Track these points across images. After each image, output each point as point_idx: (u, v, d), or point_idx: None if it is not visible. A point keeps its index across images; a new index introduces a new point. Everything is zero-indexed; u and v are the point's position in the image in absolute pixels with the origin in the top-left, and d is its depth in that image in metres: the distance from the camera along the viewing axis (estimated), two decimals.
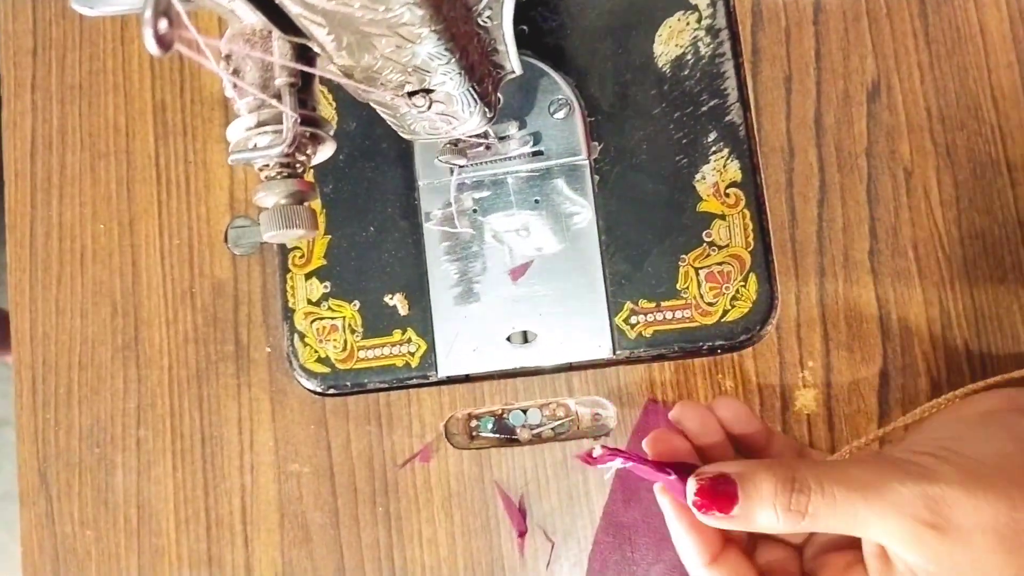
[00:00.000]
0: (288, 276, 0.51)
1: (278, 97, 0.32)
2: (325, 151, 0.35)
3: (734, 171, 0.47)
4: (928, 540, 0.29)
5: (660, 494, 0.33)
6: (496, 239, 0.49)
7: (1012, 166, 0.46)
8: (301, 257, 0.51)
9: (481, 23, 0.36)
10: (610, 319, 0.47)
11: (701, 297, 0.47)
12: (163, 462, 0.52)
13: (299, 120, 0.32)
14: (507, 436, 0.50)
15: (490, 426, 0.50)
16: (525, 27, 0.49)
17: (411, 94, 0.35)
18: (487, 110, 0.39)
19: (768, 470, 0.31)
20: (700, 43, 0.49)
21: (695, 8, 0.49)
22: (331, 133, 0.35)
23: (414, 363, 0.49)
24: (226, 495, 0.51)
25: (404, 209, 0.51)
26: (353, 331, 0.50)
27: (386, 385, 0.50)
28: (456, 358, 0.49)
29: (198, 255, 0.53)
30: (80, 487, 0.53)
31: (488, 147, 0.48)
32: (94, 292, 0.54)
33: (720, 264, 0.47)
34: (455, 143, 0.46)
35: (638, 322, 0.47)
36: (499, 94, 0.41)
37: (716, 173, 0.47)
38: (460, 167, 0.49)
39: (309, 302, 0.51)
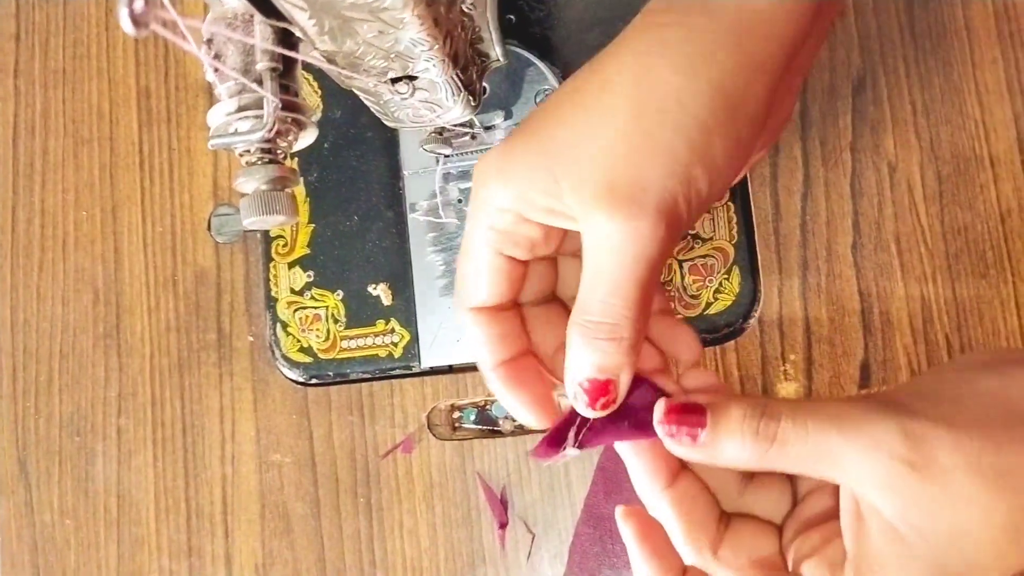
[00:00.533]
0: (271, 265, 0.51)
1: (259, 82, 0.32)
2: (307, 137, 0.35)
3: None
4: (906, 479, 0.27)
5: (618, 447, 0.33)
6: None
7: (995, 161, 0.46)
8: (284, 246, 0.51)
9: (465, 10, 0.36)
10: None
11: (684, 289, 0.47)
12: (144, 451, 0.52)
13: (280, 105, 0.32)
14: (490, 427, 0.50)
15: (473, 417, 0.50)
16: (512, 16, 0.49)
17: (394, 81, 0.35)
18: (471, 99, 0.39)
19: (739, 399, 0.30)
20: None
21: None
22: (313, 119, 0.35)
23: (397, 353, 0.49)
24: (207, 485, 0.51)
25: (389, 198, 0.50)
26: (336, 321, 0.50)
27: (369, 375, 0.50)
28: (439, 349, 0.49)
29: (181, 243, 0.53)
30: (60, 476, 0.53)
31: (474, 136, 0.48)
32: (76, 279, 0.54)
33: (704, 257, 0.47)
34: (440, 132, 0.46)
35: None
36: (484, 83, 0.41)
37: None
38: (445, 156, 0.49)
39: (292, 291, 0.51)
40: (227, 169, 0.53)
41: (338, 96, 0.51)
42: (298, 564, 0.49)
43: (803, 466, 0.29)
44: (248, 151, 0.33)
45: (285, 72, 0.33)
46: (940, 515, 0.27)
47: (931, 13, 0.48)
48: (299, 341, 0.50)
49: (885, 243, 0.47)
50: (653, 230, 0.29)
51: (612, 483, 0.46)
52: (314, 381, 0.50)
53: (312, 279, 0.51)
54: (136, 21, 0.22)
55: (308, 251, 0.51)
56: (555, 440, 0.32)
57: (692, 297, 0.47)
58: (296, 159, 0.51)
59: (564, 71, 0.49)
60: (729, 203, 0.47)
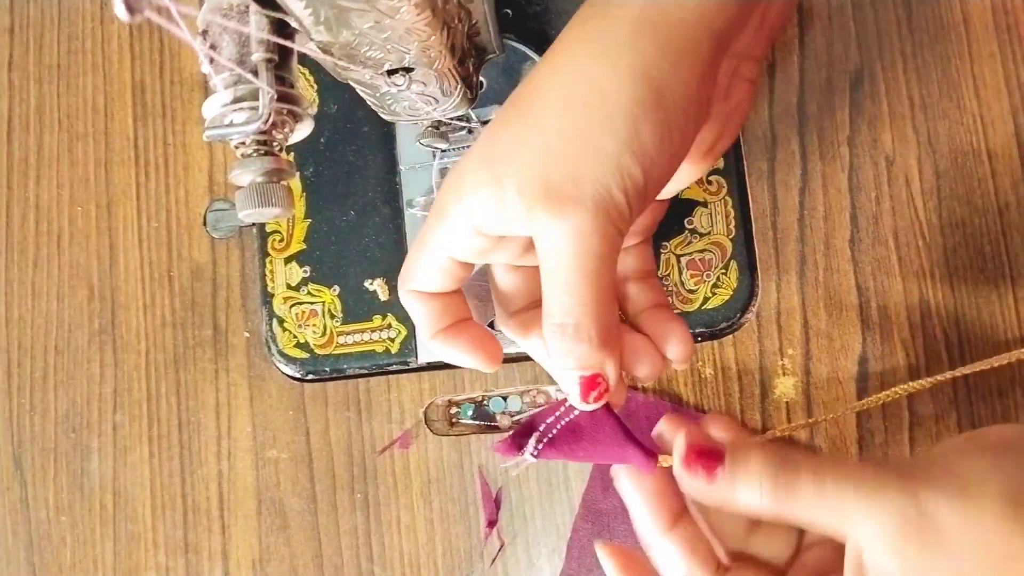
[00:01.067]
0: (267, 260, 0.51)
1: (255, 73, 0.32)
2: (303, 129, 0.35)
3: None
4: (915, 545, 0.28)
5: (621, 473, 0.33)
6: None
7: (993, 156, 0.46)
8: (280, 241, 0.51)
9: (462, 2, 0.35)
10: None
11: (682, 284, 0.47)
12: (139, 448, 0.52)
13: (276, 96, 0.32)
14: (487, 423, 0.49)
15: (470, 413, 0.50)
16: (509, 11, 0.49)
17: (390, 72, 0.35)
18: (468, 91, 0.38)
19: (759, 445, 0.30)
20: None
21: None
22: (309, 111, 0.34)
23: (394, 349, 0.49)
24: (203, 481, 0.51)
25: (385, 194, 0.50)
26: (332, 316, 0.50)
27: (365, 371, 0.50)
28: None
29: (176, 238, 0.53)
30: (55, 472, 0.52)
31: (470, 131, 0.47)
32: (71, 275, 0.54)
33: (701, 252, 0.47)
34: (437, 126, 0.45)
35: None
36: (482, 77, 0.41)
37: None
38: (442, 151, 0.48)
39: (288, 287, 0.50)
40: (223, 164, 0.53)
41: (334, 91, 0.51)
42: (295, 560, 0.49)
43: (814, 520, 0.29)
44: (243, 143, 0.33)
45: (281, 63, 0.32)
46: None
47: (929, 7, 0.48)
48: (295, 337, 0.50)
49: (883, 238, 0.47)
50: (592, 223, 0.29)
51: (610, 478, 0.46)
52: (310, 377, 0.50)
53: (308, 274, 0.50)
54: (130, 7, 0.22)
55: (304, 246, 0.51)
56: (516, 441, 0.33)
57: (690, 292, 0.46)
58: (292, 154, 0.51)
59: None
60: (726, 198, 0.47)
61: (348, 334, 0.50)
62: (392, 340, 0.49)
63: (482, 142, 0.33)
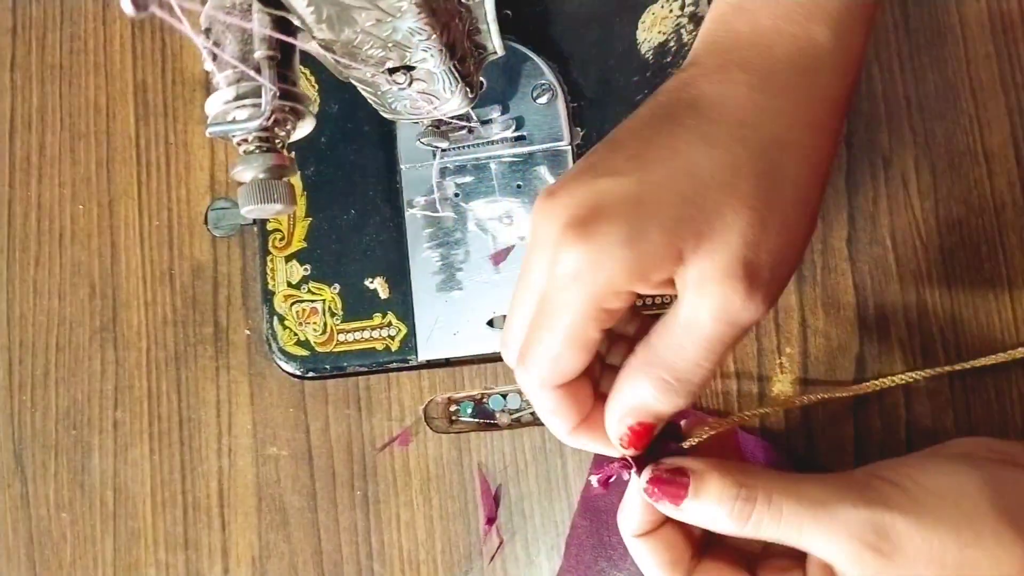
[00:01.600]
0: (268, 258, 0.51)
1: (258, 70, 0.32)
2: (304, 127, 0.35)
3: None
4: (871, 564, 0.29)
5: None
6: (479, 227, 0.49)
7: (989, 156, 0.47)
8: (281, 239, 0.51)
9: (463, 1, 0.36)
10: None
11: None
12: (140, 445, 0.52)
13: (278, 94, 0.32)
14: (486, 420, 0.50)
15: (469, 410, 0.50)
16: (509, 11, 0.49)
17: (392, 71, 0.35)
18: (469, 90, 0.39)
19: (720, 472, 0.31)
20: (683, 30, 0.49)
21: None
22: (311, 109, 0.35)
23: (394, 347, 0.49)
24: (203, 478, 0.51)
25: (386, 193, 0.51)
26: (333, 314, 0.50)
27: (366, 369, 0.50)
28: (436, 342, 0.49)
29: (178, 237, 0.53)
30: (56, 469, 0.53)
31: (470, 131, 0.48)
32: (72, 273, 0.54)
33: None
34: (437, 125, 0.46)
35: None
36: (482, 77, 0.41)
37: None
38: (442, 150, 0.49)
39: (289, 285, 0.51)
40: (224, 163, 0.53)
41: (335, 90, 0.51)
42: (295, 557, 0.49)
43: (778, 539, 0.31)
44: (246, 140, 0.33)
45: (283, 61, 0.33)
46: None
47: (925, 10, 0.48)
48: (296, 334, 0.50)
49: (880, 237, 0.47)
50: (767, 309, 0.30)
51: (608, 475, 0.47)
52: (311, 374, 0.50)
53: (309, 273, 0.51)
54: (136, 3, 0.22)
55: (305, 245, 0.51)
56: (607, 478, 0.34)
57: None
58: (293, 153, 0.51)
59: (561, 66, 0.50)
60: None
61: (348, 332, 0.50)
62: (392, 338, 0.49)
63: (640, 203, 0.29)
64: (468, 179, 0.50)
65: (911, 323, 0.46)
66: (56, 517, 0.52)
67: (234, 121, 0.32)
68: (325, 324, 0.50)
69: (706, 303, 0.29)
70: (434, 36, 0.33)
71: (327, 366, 0.50)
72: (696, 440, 0.33)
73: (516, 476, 0.48)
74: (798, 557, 0.33)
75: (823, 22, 0.32)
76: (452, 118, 0.44)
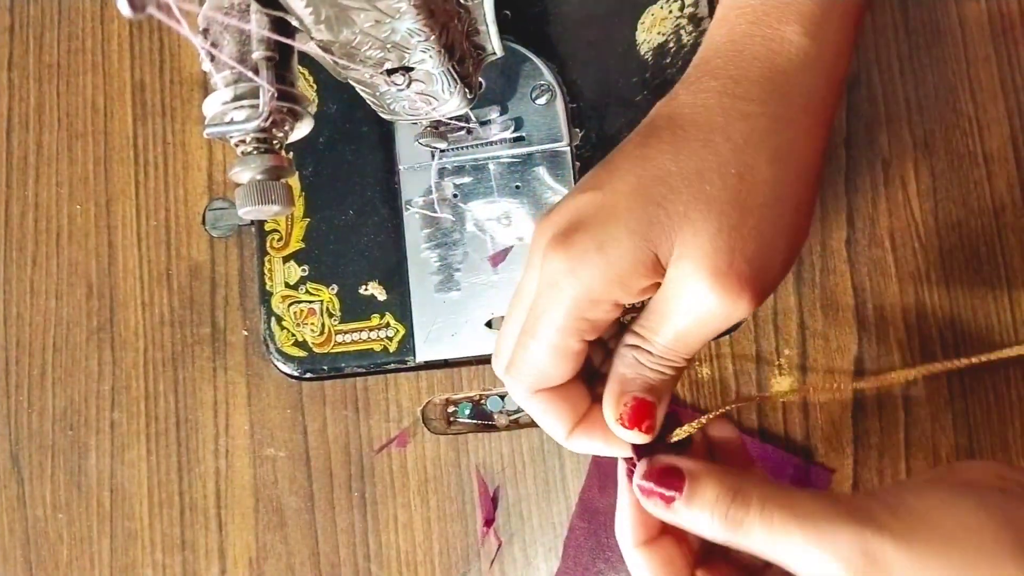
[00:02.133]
0: (266, 259, 0.51)
1: (256, 71, 0.32)
2: (303, 128, 0.35)
3: None
4: None
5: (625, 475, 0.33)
6: (478, 228, 0.49)
7: (989, 158, 0.47)
8: (279, 240, 0.51)
9: (462, 2, 0.36)
10: None
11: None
12: (137, 445, 0.52)
13: (276, 95, 0.32)
14: (484, 422, 0.50)
15: (467, 412, 0.50)
16: (508, 12, 0.49)
17: (390, 72, 0.35)
18: (467, 91, 0.39)
19: (716, 476, 0.31)
20: (682, 31, 0.49)
21: None
22: (309, 110, 0.35)
23: (392, 348, 0.49)
24: (200, 479, 0.51)
25: (384, 193, 0.50)
26: (331, 315, 0.50)
27: (363, 370, 0.50)
28: (434, 343, 0.49)
29: (175, 237, 0.53)
30: (53, 470, 0.52)
31: (469, 131, 0.48)
32: (69, 273, 0.54)
33: None
34: (436, 126, 0.46)
35: None
36: (481, 78, 0.41)
37: None
38: (441, 151, 0.49)
39: (287, 285, 0.51)
40: (222, 163, 0.53)
41: (334, 91, 0.51)
42: (292, 558, 0.49)
43: (765, 551, 0.30)
44: (243, 141, 0.33)
45: (281, 62, 0.33)
46: None
47: (925, 11, 0.48)
48: (293, 335, 0.50)
49: (879, 239, 0.47)
50: (750, 309, 0.30)
51: (606, 477, 0.47)
52: (308, 375, 0.50)
53: (307, 273, 0.50)
54: (133, 4, 0.22)
55: (303, 245, 0.51)
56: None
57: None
58: (291, 153, 0.51)
59: (560, 67, 0.49)
60: None
61: (346, 333, 0.50)
62: (390, 339, 0.49)
63: (617, 214, 0.31)
64: (467, 180, 0.49)
65: (910, 325, 0.46)
66: (53, 518, 0.52)
67: (232, 122, 0.32)
68: (323, 325, 0.50)
69: (681, 303, 0.30)
70: (433, 37, 0.33)
71: (325, 367, 0.50)
72: (688, 430, 0.33)
73: (514, 477, 0.48)
74: None
75: (795, 22, 0.32)
76: (451, 119, 0.44)
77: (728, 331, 0.47)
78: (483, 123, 0.48)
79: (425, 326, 0.49)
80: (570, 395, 0.33)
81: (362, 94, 0.39)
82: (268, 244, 0.51)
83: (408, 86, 0.36)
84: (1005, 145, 0.47)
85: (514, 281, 0.48)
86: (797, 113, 0.32)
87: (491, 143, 0.49)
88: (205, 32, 0.32)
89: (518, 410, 0.49)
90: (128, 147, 0.54)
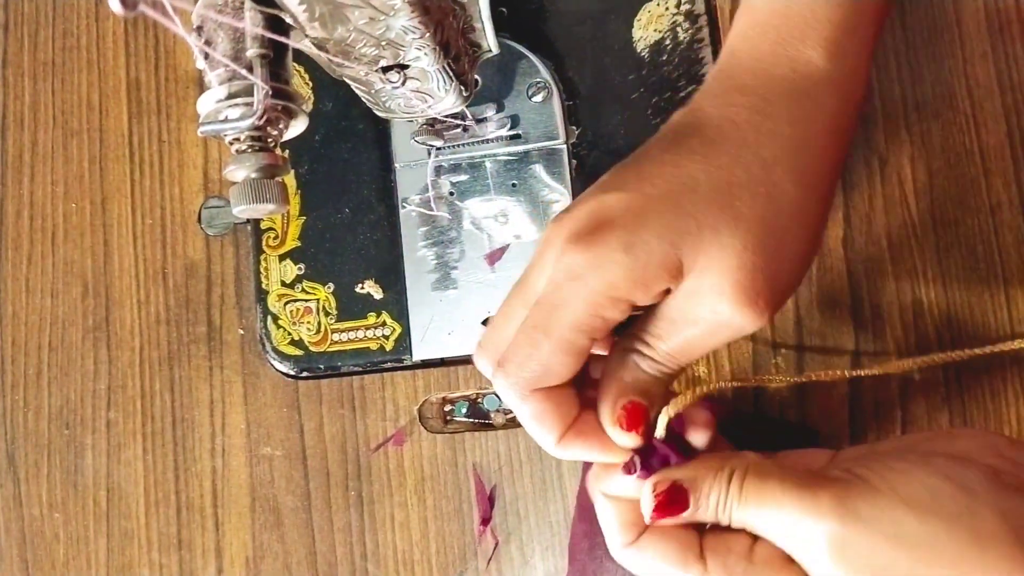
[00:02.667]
0: (262, 257, 0.51)
1: (250, 68, 0.32)
2: (297, 126, 0.35)
3: None
4: (844, 559, 0.29)
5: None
6: (474, 226, 0.49)
7: (986, 156, 0.47)
8: (275, 239, 0.51)
9: None
10: None
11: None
12: (133, 444, 0.52)
13: (270, 92, 0.32)
14: (481, 421, 0.49)
15: (464, 410, 0.50)
16: (504, 9, 0.49)
17: (385, 69, 0.35)
18: (463, 89, 0.39)
19: (714, 474, 0.31)
20: (679, 28, 0.49)
21: None
22: (304, 108, 0.34)
23: (388, 346, 0.49)
24: (197, 478, 0.51)
25: (380, 192, 0.50)
26: (327, 314, 0.50)
27: (360, 368, 0.50)
28: (431, 342, 0.49)
29: (171, 235, 0.53)
30: (49, 469, 0.52)
31: (465, 129, 0.48)
32: (65, 272, 0.54)
33: None
34: (432, 123, 0.46)
35: None
36: (476, 75, 0.41)
37: None
38: (437, 148, 0.48)
39: (283, 284, 0.50)
40: (217, 161, 0.53)
41: (329, 89, 0.51)
42: (288, 557, 0.49)
43: (743, 523, 0.31)
44: (238, 139, 0.33)
45: (276, 59, 0.33)
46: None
47: (922, 8, 0.48)
48: (290, 334, 0.50)
49: (876, 237, 0.47)
50: (762, 324, 0.31)
51: None
52: (305, 374, 0.50)
53: (303, 272, 0.50)
54: (125, 2, 0.22)
55: (299, 244, 0.51)
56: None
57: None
58: (287, 151, 0.51)
59: (556, 64, 0.49)
60: None
61: (342, 331, 0.50)
62: (386, 337, 0.49)
63: (643, 215, 0.31)
64: (463, 178, 0.49)
65: (907, 323, 0.46)
66: (49, 517, 0.52)
67: (226, 120, 0.32)
68: (319, 323, 0.50)
69: (697, 314, 0.31)
70: (428, 34, 0.33)
71: (321, 366, 0.50)
72: (677, 409, 0.33)
73: (511, 476, 0.48)
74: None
75: (819, 45, 0.32)
76: (447, 116, 0.44)
77: None
78: (479, 121, 0.48)
79: (422, 325, 0.49)
80: (560, 399, 0.32)
81: (357, 92, 0.39)
82: (264, 242, 0.51)
83: (403, 84, 0.36)
84: (1002, 142, 0.47)
85: (511, 279, 0.48)
86: (821, 135, 0.32)
87: (487, 141, 0.49)
88: (199, 30, 0.32)
89: None
90: (123, 145, 0.54)
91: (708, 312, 0.30)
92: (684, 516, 0.31)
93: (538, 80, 0.49)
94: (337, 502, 0.49)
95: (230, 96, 0.32)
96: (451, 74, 0.37)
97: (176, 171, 0.53)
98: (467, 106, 0.42)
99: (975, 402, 0.45)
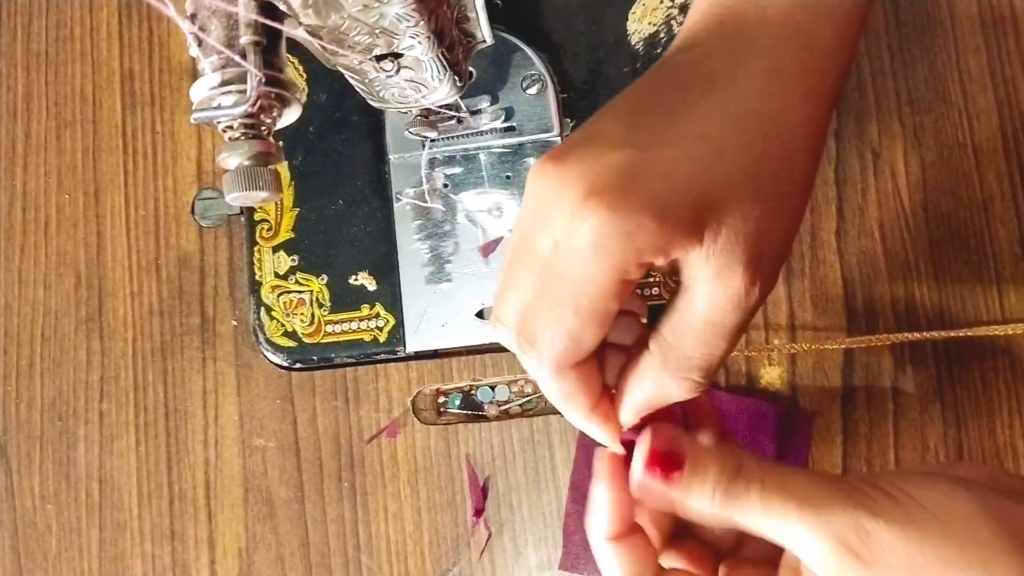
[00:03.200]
0: (255, 249, 0.51)
1: (243, 55, 0.32)
2: (291, 114, 0.35)
3: None
4: (852, 566, 0.28)
5: (600, 460, 0.33)
6: (468, 219, 0.49)
7: (978, 149, 0.47)
8: (269, 230, 0.51)
9: None
10: None
11: (668, 275, 0.47)
12: (126, 436, 0.51)
13: (264, 80, 0.32)
14: (475, 412, 0.49)
15: (458, 402, 0.50)
16: (499, 1, 0.49)
17: (379, 58, 0.35)
18: (457, 79, 0.39)
19: (717, 455, 0.31)
20: (673, 22, 0.49)
21: None
22: (297, 96, 0.34)
23: (382, 338, 0.49)
24: (190, 469, 0.51)
25: (374, 183, 0.50)
26: (321, 305, 0.50)
27: (353, 360, 0.50)
28: (425, 334, 0.49)
29: (164, 226, 0.53)
30: (41, 460, 0.52)
31: (459, 120, 0.48)
32: (58, 263, 0.53)
33: None
34: (426, 114, 0.46)
35: None
36: (471, 67, 0.41)
37: None
38: (431, 140, 0.48)
39: (276, 275, 0.50)
40: (211, 152, 0.53)
41: (323, 79, 0.51)
42: (281, 548, 0.49)
43: (761, 528, 0.30)
44: (231, 126, 0.33)
45: (269, 47, 0.32)
46: None
47: (915, 2, 0.48)
48: (283, 325, 0.50)
49: (869, 229, 0.47)
50: (766, 295, 0.30)
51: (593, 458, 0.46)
52: (298, 366, 0.50)
53: (296, 263, 0.50)
54: None
55: (292, 235, 0.51)
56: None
57: (676, 282, 0.47)
58: (281, 142, 0.50)
59: (551, 56, 0.49)
60: None
61: (336, 323, 0.50)
62: (380, 329, 0.49)
63: (662, 166, 0.29)
64: (457, 170, 0.49)
65: (899, 315, 0.46)
66: (41, 508, 0.52)
67: (219, 107, 0.32)
68: (313, 315, 0.50)
69: (727, 293, 0.29)
70: (422, 23, 0.33)
71: (314, 357, 0.50)
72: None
73: (504, 468, 0.48)
74: (771, 559, 0.32)
75: (828, 21, 0.32)
76: (440, 107, 0.43)
77: None
78: (473, 113, 0.48)
79: (415, 316, 0.49)
80: (590, 373, 0.32)
81: (351, 82, 0.39)
82: (258, 234, 0.51)
83: (397, 72, 0.36)
84: (994, 136, 0.47)
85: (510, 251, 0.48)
86: (823, 111, 0.32)
87: (481, 133, 0.49)
88: (193, 16, 0.32)
89: (508, 400, 0.49)
90: (117, 136, 0.54)
91: (735, 290, 0.29)
92: (675, 484, 0.30)
93: (533, 72, 0.49)
94: (330, 493, 0.49)
95: (223, 83, 0.32)
96: (445, 63, 0.37)
97: (170, 162, 0.53)
98: (461, 98, 0.42)
99: (966, 393, 0.45)
